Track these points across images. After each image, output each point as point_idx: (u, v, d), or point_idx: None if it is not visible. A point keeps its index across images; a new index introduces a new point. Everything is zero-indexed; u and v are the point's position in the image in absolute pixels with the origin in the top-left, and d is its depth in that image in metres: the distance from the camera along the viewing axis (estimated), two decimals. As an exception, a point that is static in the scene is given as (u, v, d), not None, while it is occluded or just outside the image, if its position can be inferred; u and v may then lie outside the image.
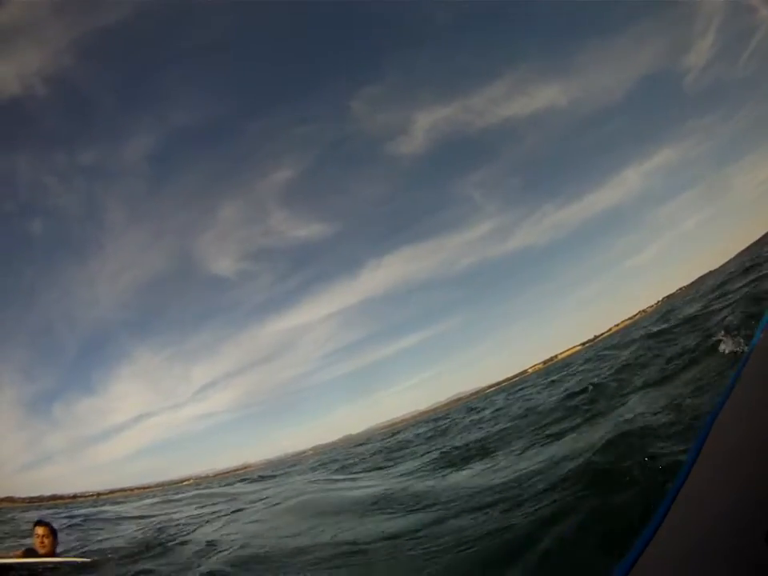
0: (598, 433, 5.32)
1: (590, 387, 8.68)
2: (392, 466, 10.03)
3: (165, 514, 10.15)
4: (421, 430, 21.31)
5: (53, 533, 4.72)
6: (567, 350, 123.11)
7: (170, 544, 5.59)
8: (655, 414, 4.91)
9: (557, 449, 5.59)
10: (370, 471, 10.48)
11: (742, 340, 5.59)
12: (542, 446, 6.21)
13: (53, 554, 4.59)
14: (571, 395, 9.23)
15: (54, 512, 16.98)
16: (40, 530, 4.59)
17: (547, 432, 6.93)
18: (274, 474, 23.74)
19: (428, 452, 10.23)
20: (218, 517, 8.04)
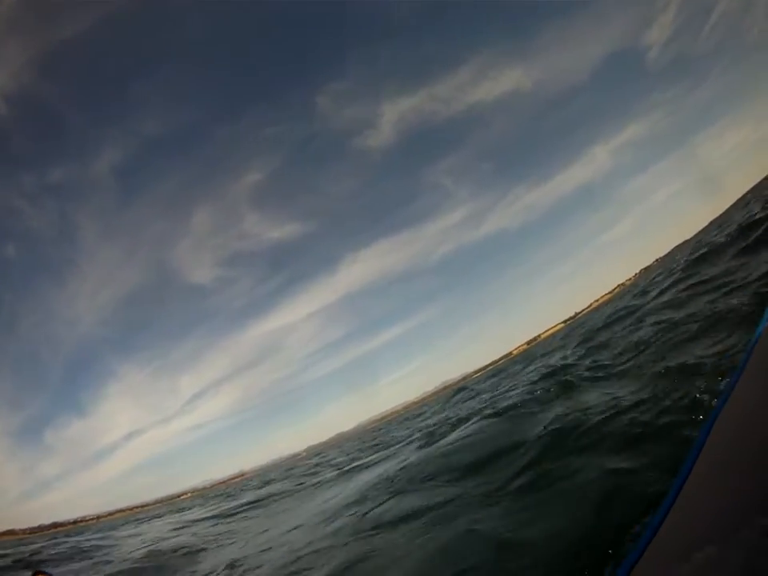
0: (596, 427, 4.95)
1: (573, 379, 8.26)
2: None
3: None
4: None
5: None
6: (549, 329, 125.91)
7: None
8: (651, 409, 4.63)
9: (551, 449, 5.21)
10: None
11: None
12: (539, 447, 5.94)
13: None
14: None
15: (55, 542, 16.10)
16: None
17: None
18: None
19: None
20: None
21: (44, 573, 4.59)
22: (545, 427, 5.49)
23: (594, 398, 5.76)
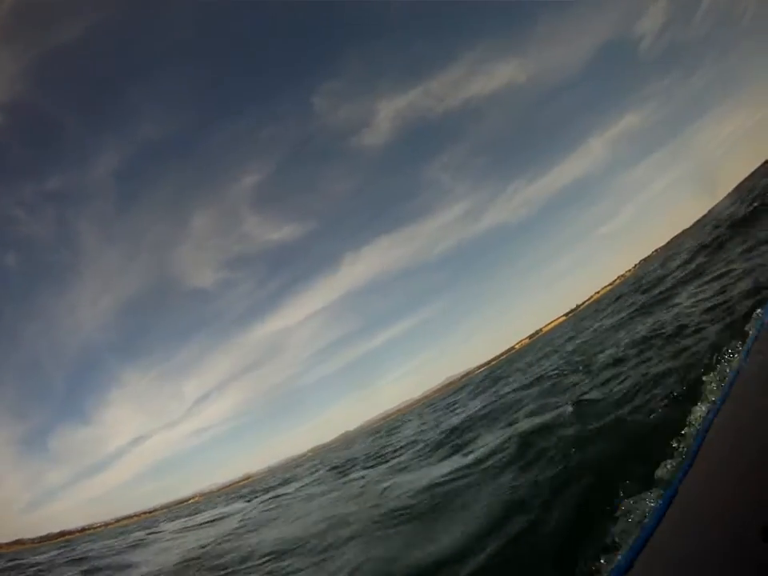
0: (592, 425, 5.16)
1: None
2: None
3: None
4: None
5: None
6: (551, 322, 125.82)
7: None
8: (648, 403, 4.45)
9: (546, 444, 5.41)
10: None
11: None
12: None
13: None
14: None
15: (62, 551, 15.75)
16: None
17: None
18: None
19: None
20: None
21: None
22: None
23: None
